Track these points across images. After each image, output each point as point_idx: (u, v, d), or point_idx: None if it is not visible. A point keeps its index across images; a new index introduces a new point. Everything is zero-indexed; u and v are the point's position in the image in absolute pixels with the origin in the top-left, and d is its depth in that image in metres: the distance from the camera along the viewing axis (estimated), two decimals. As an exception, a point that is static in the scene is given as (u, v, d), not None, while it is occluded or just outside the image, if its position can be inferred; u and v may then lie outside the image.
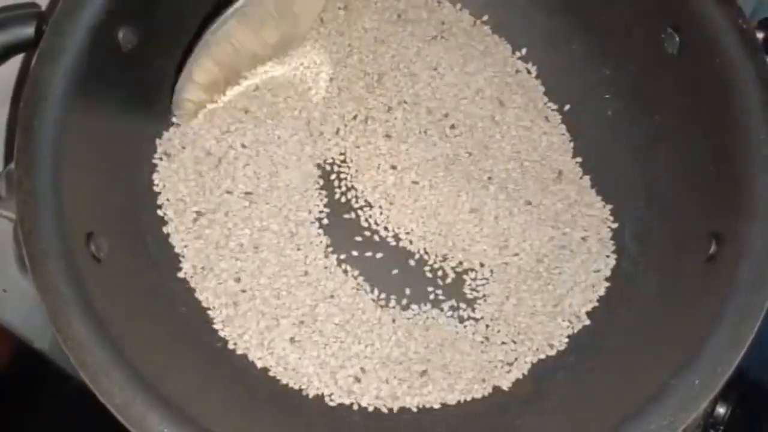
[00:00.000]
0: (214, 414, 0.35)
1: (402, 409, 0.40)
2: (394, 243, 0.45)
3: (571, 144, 0.48)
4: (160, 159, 0.44)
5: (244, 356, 0.41)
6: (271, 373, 0.40)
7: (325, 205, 0.45)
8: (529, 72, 0.50)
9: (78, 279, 0.35)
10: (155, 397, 0.33)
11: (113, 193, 0.41)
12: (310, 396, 0.40)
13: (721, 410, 0.40)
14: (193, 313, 0.41)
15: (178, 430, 0.33)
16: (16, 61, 0.41)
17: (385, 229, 0.45)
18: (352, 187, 0.46)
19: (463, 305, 0.44)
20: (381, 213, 0.45)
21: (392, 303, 0.43)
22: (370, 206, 0.46)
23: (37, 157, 0.36)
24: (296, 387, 0.40)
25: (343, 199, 0.46)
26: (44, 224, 0.35)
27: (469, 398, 0.41)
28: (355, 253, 0.44)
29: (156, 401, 0.33)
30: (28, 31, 0.39)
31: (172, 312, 0.41)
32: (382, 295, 0.43)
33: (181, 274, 0.42)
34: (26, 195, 0.36)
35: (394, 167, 0.46)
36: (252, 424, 0.37)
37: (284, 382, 0.40)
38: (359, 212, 0.45)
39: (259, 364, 0.40)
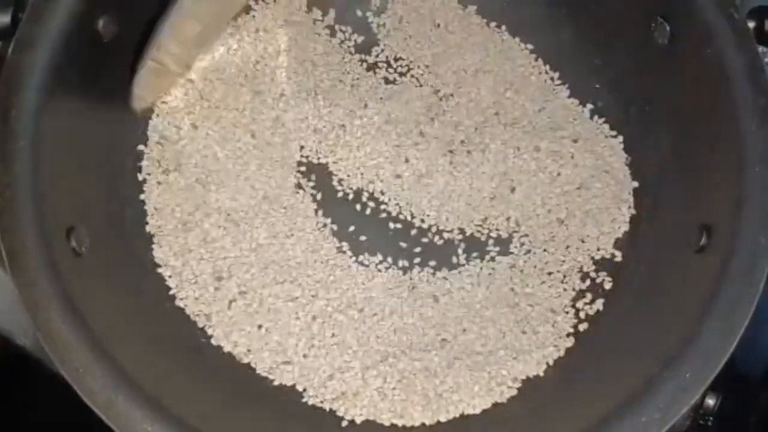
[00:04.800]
0: (198, 411, 0.35)
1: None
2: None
3: (561, 134, 0.48)
4: (143, 150, 0.44)
5: (229, 353, 0.40)
6: (257, 371, 0.40)
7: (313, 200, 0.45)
8: (518, 61, 0.49)
9: (58, 274, 0.34)
10: (138, 394, 0.33)
11: (94, 186, 0.40)
12: (305, 399, 0.40)
13: (710, 401, 0.40)
14: (175, 310, 0.41)
15: (162, 428, 0.32)
16: (-8, 50, 0.40)
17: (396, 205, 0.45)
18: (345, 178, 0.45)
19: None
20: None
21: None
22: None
23: (14, 149, 0.36)
24: (286, 384, 0.40)
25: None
26: (23, 218, 0.35)
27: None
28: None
29: (139, 399, 0.33)
30: (4, 19, 0.39)
31: (155, 308, 0.40)
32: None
33: (161, 270, 0.41)
34: (4, 188, 0.35)
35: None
36: (237, 421, 0.37)
37: (272, 379, 0.40)
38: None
39: (245, 360, 0.40)
